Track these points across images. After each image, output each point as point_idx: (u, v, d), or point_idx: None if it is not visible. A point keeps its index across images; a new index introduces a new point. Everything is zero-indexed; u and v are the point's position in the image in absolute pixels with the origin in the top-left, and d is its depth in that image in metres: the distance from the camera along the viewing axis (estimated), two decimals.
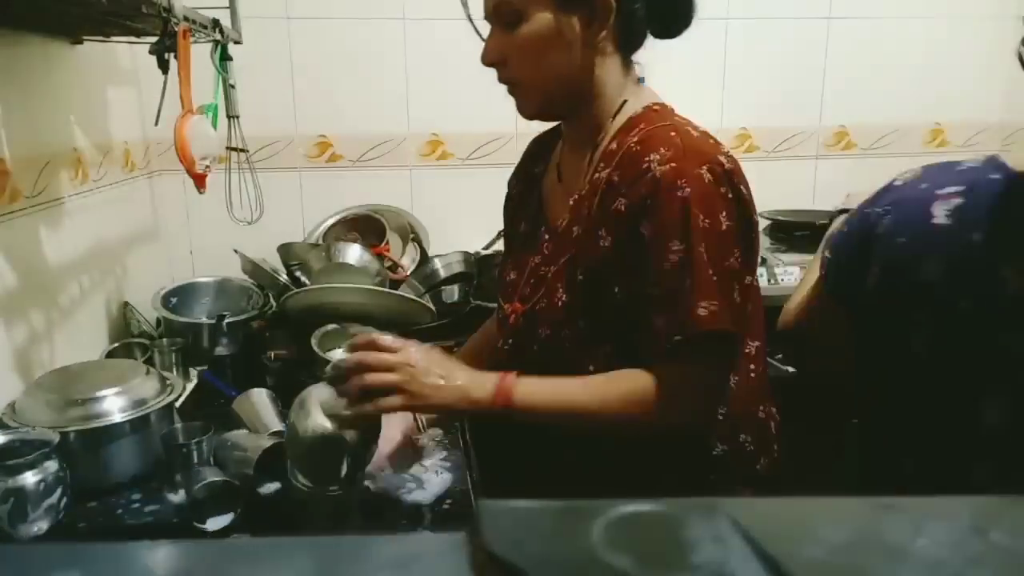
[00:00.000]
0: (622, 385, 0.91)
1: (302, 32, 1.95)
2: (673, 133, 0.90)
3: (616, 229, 0.91)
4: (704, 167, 0.87)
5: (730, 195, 0.88)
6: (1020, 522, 0.26)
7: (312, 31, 1.95)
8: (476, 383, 0.91)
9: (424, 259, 1.89)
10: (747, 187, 0.92)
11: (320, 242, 1.89)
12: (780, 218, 2.10)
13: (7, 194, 1.20)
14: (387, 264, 1.77)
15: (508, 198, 1.20)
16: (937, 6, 2.22)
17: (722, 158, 0.89)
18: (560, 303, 0.97)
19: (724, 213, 0.87)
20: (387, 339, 0.93)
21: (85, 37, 1.45)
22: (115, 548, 0.27)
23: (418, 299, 1.57)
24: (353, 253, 1.68)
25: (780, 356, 1.68)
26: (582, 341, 0.96)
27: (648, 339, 0.90)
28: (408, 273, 1.82)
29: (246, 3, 1.54)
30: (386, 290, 1.56)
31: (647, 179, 0.87)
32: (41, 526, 0.93)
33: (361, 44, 1.98)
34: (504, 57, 0.96)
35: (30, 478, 0.91)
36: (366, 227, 1.94)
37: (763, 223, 2.16)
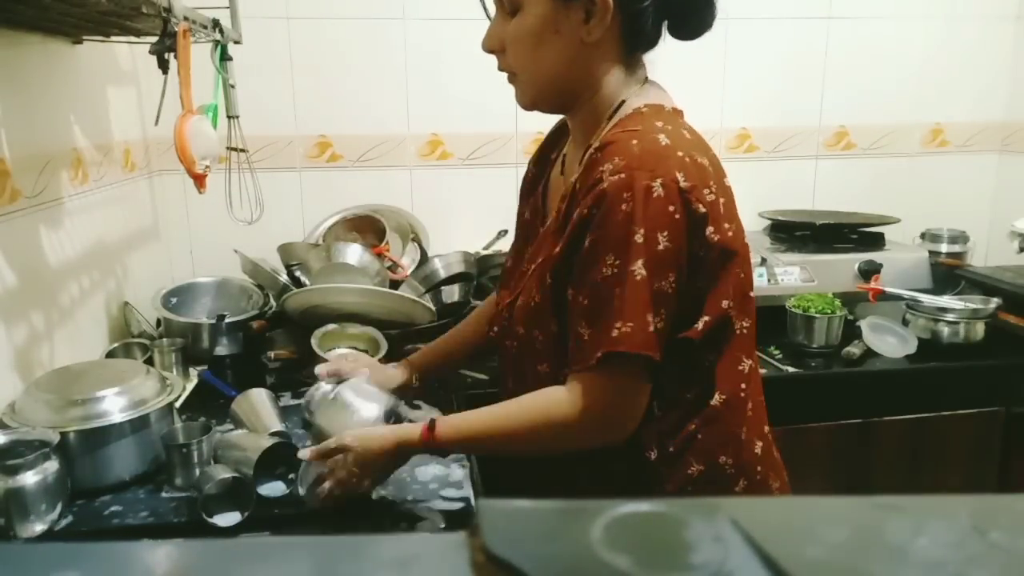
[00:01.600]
0: (537, 404, 0.93)
1: (302, 32, 1.95)
2: (635, 141, 0.86)
3: (570, 236, 0.90)
4: (657, 180, 0.83)
5: (678, 215, 0.84)
6: (1020, 522, 0.26)
7: (312, 31, 1.95)
8: (407, 429, 0.98)
9: (424, 259, 1.89)
10: (710, 207, 0.86)
11: (320, 242, 1.89)
12: (780, 218, 2.10)
13: (7, 194, 1.20)
14: (387, 264, 1.77)
15: (523, 179, 1.17)
16: (937, 6, 2.22)
17: (680, 174, 0.84)
18: (532, 303, 0.96)
19: (666, 232, 0.84)
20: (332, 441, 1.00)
21: (85, 37, 1.45)
22: (115, 548, 0.27)
23: (418, 299, 1.57)
24: (353, 253, 1.68)
25: (780, 356, 1.68)
26: (555, 343, 0.95)
27: (573, 350, 0.90)
28: (408, 273, 1.81)
29: (246, 3, 1.54)
30: (386, 290, 1.56)
31: (597, 190, 0.85)
32: (41, 526, 0.93)
33: (361, 44, 1.98)
34: (502, 45, 0.95)
35: (30, 478, 0.91)
36: (366, 227, 1.93)
37: (763, 223, 2.16)
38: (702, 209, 0.85)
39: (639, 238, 0.83)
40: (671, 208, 0.83)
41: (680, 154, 0.86)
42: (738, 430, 0.96)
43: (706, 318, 0.90)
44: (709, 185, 0.87)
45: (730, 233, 0.89)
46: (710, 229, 0.86)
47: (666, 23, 0.95)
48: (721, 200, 0.89)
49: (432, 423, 0.96)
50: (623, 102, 0.95)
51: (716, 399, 0.94)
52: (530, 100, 0.98)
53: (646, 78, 0.99)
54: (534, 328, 0.96)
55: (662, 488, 0.95)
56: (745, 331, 0.96)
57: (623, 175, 0.84)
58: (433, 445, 0.96)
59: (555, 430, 0.92)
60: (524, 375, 0.99)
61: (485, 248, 2.00)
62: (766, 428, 1.01)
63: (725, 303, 0.90)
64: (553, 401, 0.91)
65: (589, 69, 0.94)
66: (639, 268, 0.83)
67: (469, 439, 0.97)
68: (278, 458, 1.03)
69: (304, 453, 0.99)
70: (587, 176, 0.88)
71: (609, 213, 0.84)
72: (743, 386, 0.96)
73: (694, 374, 0.93)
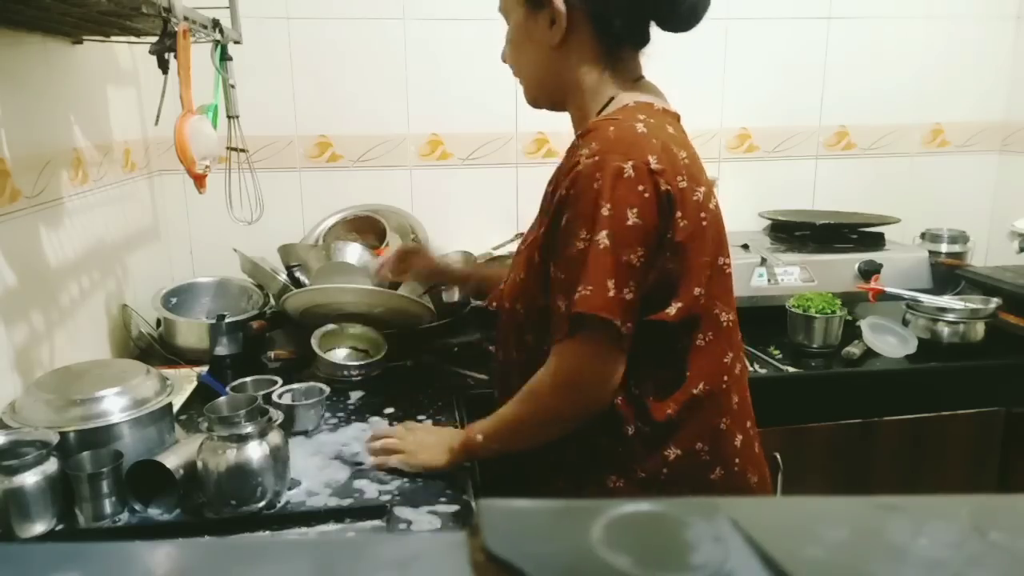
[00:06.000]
0: (527, 384, 0.99)
1: (302, 32, 1.95)
2: (612, 128, 0.91)
3: (551, 215, 0.95)
4: (629, 163, 0.88)
5: (647, 194, 0.88)
6: (1020, 522, 0.26)
7: (312, 31, 1.95)
8: (452, 434, 1.09)
9: None
10: (680, 192, 0.90)
11: (320, 242, 1.89)
12: (780, 218, 2.10)
13: (7, 194, 1.20)
14: None
15: None
16: (937, 6, 2.22)
17: (652, 157, 0.89)
18: (518, 279, 1.03)
19: (636, 209, 0.88)
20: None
21: (85, 37, 1.45)
22: (115, 548, 0.27)
23: (418, 299, 1.57)
24: (353, 253, 1.68)
25: (780, 356, 1.68)
26: (540, 315, 0.99)
27: (553, 323, 0.95)
28: None
29: (246, 3, 1.54)
30: (386, 290, 1.56)
31: (574, 172, 0.91)
32: (41, 526, 0.93)
33: (361, 44, 1.98)
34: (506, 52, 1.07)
35: (30, 478, 0.91)
36: (366, 227, 1.93)
37: (763, 223, 2.16)
38: (672, 191, 0.90)
39: (606, 212, 0.87)
40: (641, 188, 0.88)
41: (655, 141, 0.91)
42: (718, 420, 0.99)
43: (679, 304, 0.93)
44: (681, 173, 0.92)
45: (704, 224, 0.93)
46: (679, 214, 0.91)
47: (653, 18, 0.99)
48: (697, 193, 0.93)
49: (468, 430, 1.06)
50: (612, 98, 0.99)
51: (699, 388, 0.97)
52: (529, 98, 1.08)
53: (639, 78, 1.03)
54: (517, 302, 1.03)
55: (638, 467, 0.98)
56: (730, 324, 1.00)
57: (597, 157, 0.89)
58: (471, 436, 1.04)
59: (540, 401, 0.97)
60: (510, 346, 1.06)
61: (495, 248, 2.00)
62: (749, 423, 1.04)
63: (697, 291, 0.94)
64: (536, 376, 0.97)
65: (565, 69, 1.01)
66: (603, 238, 0.88)
67: (493, 432, 1.03)
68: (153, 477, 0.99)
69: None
70: (568, 160, 0.94)
71: (582, 192, 0.89)
72: (726, 378, 0.99)
73: (669, 358, 0.97)
